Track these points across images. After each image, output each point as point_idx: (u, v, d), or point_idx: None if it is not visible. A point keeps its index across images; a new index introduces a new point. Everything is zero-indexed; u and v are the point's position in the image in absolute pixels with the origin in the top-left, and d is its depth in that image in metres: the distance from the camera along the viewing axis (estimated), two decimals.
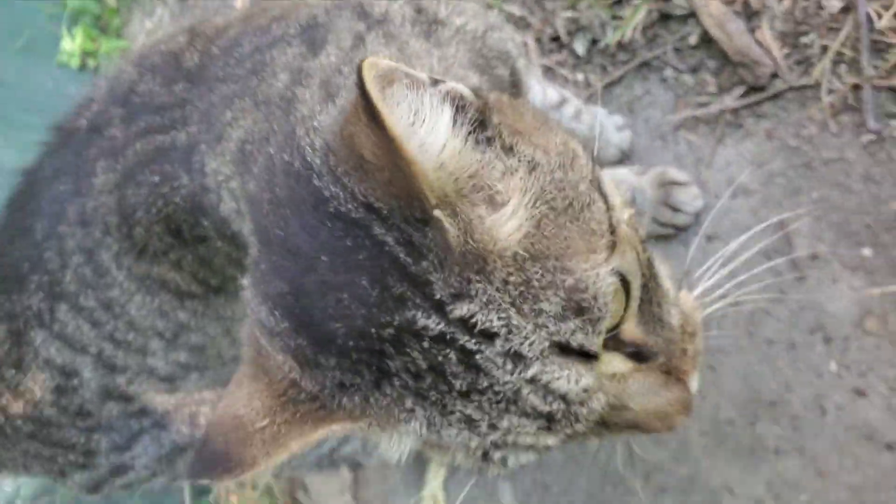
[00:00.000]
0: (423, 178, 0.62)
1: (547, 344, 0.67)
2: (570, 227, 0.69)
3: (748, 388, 1.61)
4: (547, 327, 0.66)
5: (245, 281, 0.79)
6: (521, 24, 2.01)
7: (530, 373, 0.67)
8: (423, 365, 0.67)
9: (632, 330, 0.75)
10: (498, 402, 0.68)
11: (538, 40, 1.99)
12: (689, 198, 1.68)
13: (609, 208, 0.74)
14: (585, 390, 0.70)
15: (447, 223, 0.64)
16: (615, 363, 0.74)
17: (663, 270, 0.83)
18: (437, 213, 0.63)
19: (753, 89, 1.63)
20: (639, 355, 0.76)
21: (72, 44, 3.69)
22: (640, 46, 1.81)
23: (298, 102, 0.88)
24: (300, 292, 0.70)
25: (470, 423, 0.70)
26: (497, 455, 0.74)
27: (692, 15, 1.71)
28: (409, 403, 0.70)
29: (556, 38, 1.96)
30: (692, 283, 0.96)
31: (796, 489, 1.53)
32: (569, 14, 1.88)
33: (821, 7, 1.54)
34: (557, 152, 0.74)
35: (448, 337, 0.66)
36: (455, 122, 0.66)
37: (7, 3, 3.55)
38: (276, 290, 0.72)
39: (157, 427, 1.45)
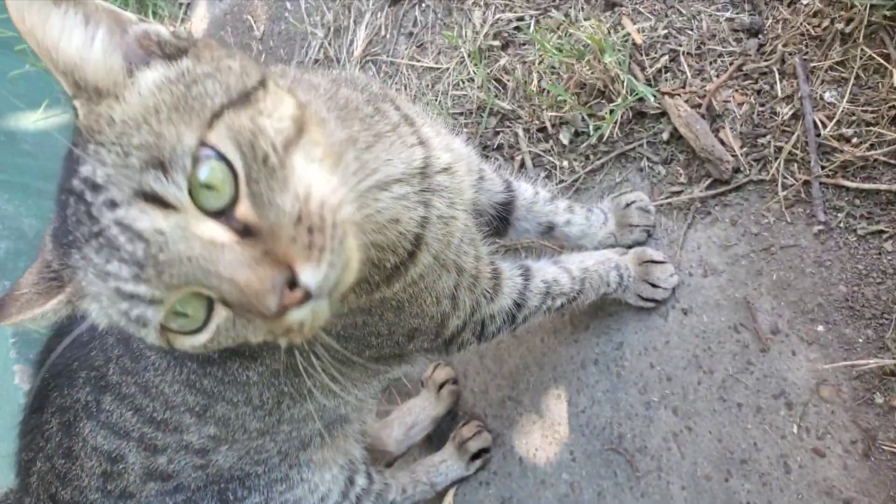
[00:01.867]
0: (58, 69, 0.87)
1: (129, 191, 0.82)
2: (178, 110, 0.86)
3: (722, 448, 1.78)
4: (131, 178, 0.82)
5: None
6: (512, 115, 2.20)
7: (118, 213, 0.82)
8: (74, 219, 0.85)
9: (243, 209, 0.85)
10: (103, 247, 0.84)
11: (527, 130, 2.18)
12: (666, 275, 1.86)
13: (229, 107, 0.87)
14: (161, 232, 0.82)
15: (81, 106, 0.86)
16: (218, 232, 0.84)
17: (308, 178, 0.88)
18: (74, 102, 0.87)
19: (718, 181, 1.82)
20: (245, 230, 0.85)
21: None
22: (618, 139, 2.00)
23: None
24: (59, 189, 0.90)
25: (97, 270, 0.86)
26: (133, 311, 0.87)
27: (664, 114, 1.90)
28: (77, 257, 0.87)
29: (542, 129, 2.16)
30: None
31: None
32: (553, 112, 2.08)
33: (775, 113, 1.74)
34: (214, 62, 0.94)
35: (80, 193, 0.84)
36: (110, 38, 0.91)
37: (26, 77, 3.71)
38: (56, 188, 0.91)
39: (188, 503, 1.60)
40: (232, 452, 1.55)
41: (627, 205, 1.94)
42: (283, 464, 1.65)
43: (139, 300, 0.86)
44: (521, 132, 2.19)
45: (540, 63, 2.10)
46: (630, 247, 1.95)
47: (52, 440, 1.51)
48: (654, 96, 1.86)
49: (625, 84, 1.89)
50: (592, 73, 1.95)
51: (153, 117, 0.84)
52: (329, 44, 2.79)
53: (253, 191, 0.85)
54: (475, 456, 2.20)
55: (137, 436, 1.46)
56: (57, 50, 0.87)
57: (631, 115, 1.96)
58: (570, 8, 2.08)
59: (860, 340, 1.63)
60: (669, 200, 1.91)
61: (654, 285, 1.87)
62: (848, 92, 1.62)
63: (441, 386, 2.32)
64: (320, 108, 1.13)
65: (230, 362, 1.34)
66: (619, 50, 1.88)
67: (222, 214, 0.85)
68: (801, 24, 1.69)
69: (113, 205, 0.81)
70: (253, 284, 0.82)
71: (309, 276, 0.84)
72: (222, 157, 0.84)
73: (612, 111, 1.95)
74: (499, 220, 1.74)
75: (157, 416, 1.42)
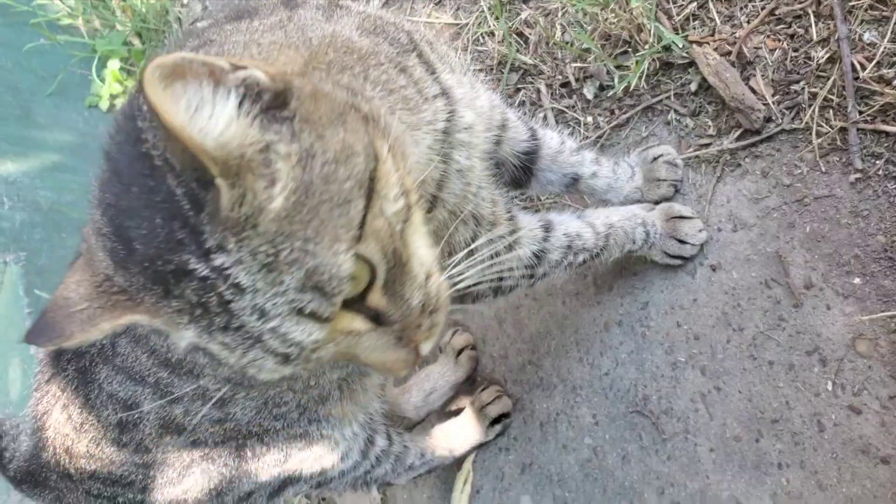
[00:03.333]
0: (204, 155, 0.75)
1: (286, 308, 0.82)
2: (323, 218, 0.83)
3: (752, 407, 1.72)
4: (287, 295, 0.82)
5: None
6: (534, 71, 2.14)
7: (271, 325, 0.83)
8: (194, 299, 0.81)
9: (377, 299, 0.91)
10: (246, 340, 0.84)
11: (549, 86, 2.12)
12: (694, 230, 1.80)
13: (370, 208, 0.87)
14: (316, 342, 0.87)
15: (225, 190, 0.77)
16: (355, 323, 0.91)
17: (423, 261, 0.97)
18: (218, 181, 0.77)
19: (749, 132, 1.75)
20: (378, 318, 0.93)
21: (101, 86, 3.83)
22: (644, 92, 1.93)
23: None
24: (119, 208, 0.82)
25: (228, 347, 0.86)
26: (251, 372, 0.89)
27: (692, 64, 1.83)
28: (185, 319, 0.84)
29: (566, 84, 2.09)
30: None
31: (799, 500, 1.63)
32: (577, 64, 2.01)
33: (809, 58, 1.66)
34: (337, 149, 0.86)
35: (210, 281, 0.80)
36: (242, 106, 0.80)
37: (41, 50, 3.69)
38: (106, 200, 0.84)
39: (206, 460, 1.56)
40: (250, 402, 1.51)
41: (654, 159, 1.87)
42: (303, 419, 1.60)
43: (272, 372, 0.90)
44: (543, 88, 2.13)
45: (563, 14, 2.04)
46: (657, 202, 1.88)
47: (68, 388, 1.48)
48: (682, 44, 1.78)
49: (651, 32, 1.82)
50: (618, 21, 1.88)
51: (299, 225, 0.82)
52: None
53: (386, 282, 0.91)
54: (495, 421, 2.15)
55: (153, 381, 1.41)
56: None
57: (657, 65, 1.89)
58: None
59: None
60: (697, 153, 1.84)
61: (681, 241, 1.81)
62: (889, 31, 1.55)
63: (460, 352, 2.27)
64: (403, 140, 1.06)
65: None
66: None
67: (354, 301, 0.90)
68: None
69: (263, 314, 0.82)
70: (390, 366, 0.96)
71: (426, 348, 0.99)
72: (366, 260, 0.88)
73: (637, 61, 1.88)
74: (522, 171, 1.67)
75: (171, 357, 1.38)
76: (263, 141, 0.81)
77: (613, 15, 1.87)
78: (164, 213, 0.78)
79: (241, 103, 0.79)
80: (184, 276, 0.80)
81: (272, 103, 0.82)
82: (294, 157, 0.82)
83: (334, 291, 0.84)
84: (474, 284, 1.45)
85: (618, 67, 1.94)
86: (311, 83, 0.91)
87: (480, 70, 2.23)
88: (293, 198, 0.81)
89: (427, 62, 1.23)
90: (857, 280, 1.61)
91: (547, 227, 1.59)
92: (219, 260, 0.79)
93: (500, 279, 1.52)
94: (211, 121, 0.77)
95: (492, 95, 1.46)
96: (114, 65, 3.82)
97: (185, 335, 0.87)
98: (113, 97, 3.83)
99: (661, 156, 1.86)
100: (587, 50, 1.93)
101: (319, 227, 0.82)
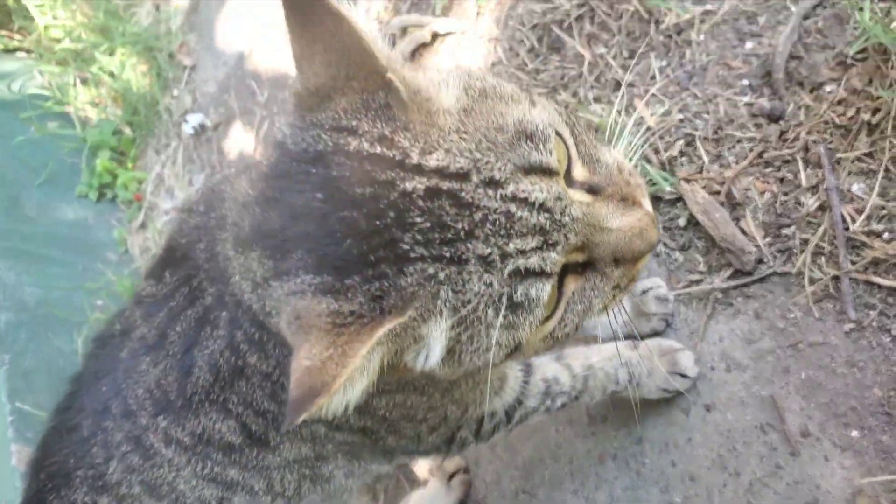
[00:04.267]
0: (372, 44, 0.80)
1: (511, 166, 0.81)
2: (492, 96, 0.88)
3: None
4: (506, 153, 0.82)
5: (274, 289, 0.87)
6: None
7: (509, 191, 0.80)
8: (426, 224, 0.78)
9: (580, 171, 0.93)
10: (497, 229, 0.80)
11: None
12: (691, 362, 1.75)
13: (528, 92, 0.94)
14: (559, 198, 0.84)
15: (397, 82, 0.80)
16: (578, 195, 0.90)
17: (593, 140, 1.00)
18: (388, 75, 0.79)
19: (740, 272, 1.72)
20: (591, 189, 0.93)
21: (91, 176, 3.81)
22: None
23: None
24: (310, 242, 0.81)
25: (484, 261, 0.81)
26: (520, 292, 0.83)
27: (680, 199, 1.81)
28: (430, 270, 0.80)
29: None
30: None
31: None
32: None
33: (799, 203, 1.64)
34: (454, 70, 0.94)
35: (434, 188, 0.79)
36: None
37: (31, 140, 3.68)
38: (292, 261, 0.82)
39: None
40: None
41: (643, 292, 1.83)
42: None
43: (540, 276, 0.84)
44: None
45: None
46: (648, 335, 1.85)
47: None
48: (670, 186, 1.76)
49: (638, 170, 1.80)
50: None
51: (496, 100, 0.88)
52: None
53: (579, 154, 0.93)
54: None
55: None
56: None
57: None
58: (579, 87, 1.99)
59: None
60: (689, 290, 1.80)
61: (682, 375, 1.76)
62: (877, 185, 1.53)
63: (452, 475, 2.21)
64: None
65: (255, 448, 1.29)
66: (634, 135, 1.79)
67: (568, 182, 0.91)
68: (825, 111, 1.60)
69: (496, 184, 0.81)
70: (635, 225, 0.91)
71: (648, 204, 0.96)
72: (557, 133, 0.89)
73: None
74: None
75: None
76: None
77: None
78: (359, 178, 0.80)
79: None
80: (408, 211, 0.79)
81: None
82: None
83: (543, 137, 0.85)
84: (457, 429, 1.44)
85: None
86: None
87: None
88: (456, 84, 0.89)
89: None
90: (854, 433, 1.57)
91: (526, 370, 1.57)
92: (433, 159, 0.80)
93: (481, 424, 1.50)
94: (367, 21, 0.82)
95: None
96: (104, 154, 3.81)
97: (440, 310, 0.82)
98: (103, 187, 3.81)
99: (650, 289, 1.83)
100: None
101: (498, 99, 0.88)
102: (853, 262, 1.57)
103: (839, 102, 1.58)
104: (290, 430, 1.22)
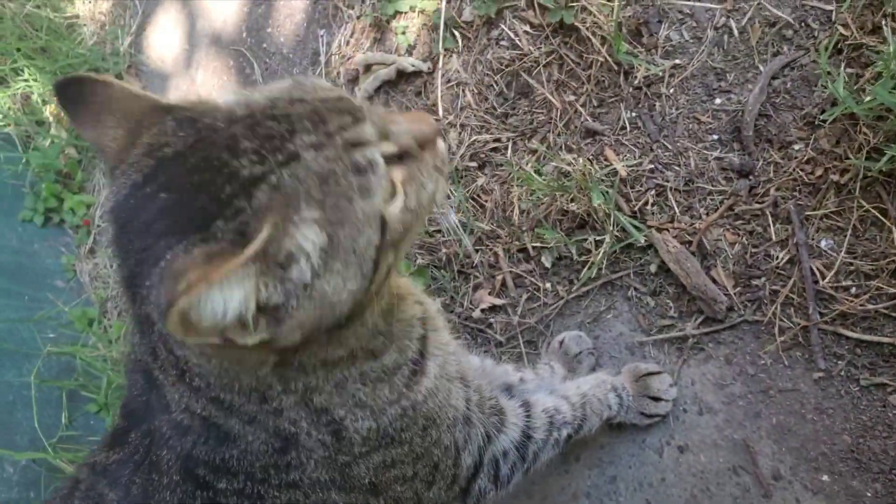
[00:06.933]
0: (146, 94, 0.93)
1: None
2: None
3: None
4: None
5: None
6: (491, 235, 2.09)
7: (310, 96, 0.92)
8: (255, 143, 0.86)
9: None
10: (314, 121, 0.90)
11: (507, 251, 2.08)
12: (665, 385, 1.78)
13: None
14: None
15: (181, 104, 0.93)
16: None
17: None
18: (169, 104, 0.92)
19: (711, 319, 1.74)
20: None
21: (35, 200, 3.64)
22: (603, 268, 1.91)
23: None
24: (166, 218, 0.84)
25: (315, 146, 0.89)
26: (358, 156, 0.91)
27: (651, 246, 1.82)
28: (273, 179, 0.85)
29: (523, 249, 2.06)
30: None
31: None
32: (534, 244, 1.98)
33: (769, 255, 1.66)
34: None
35: (252, 119, 0.89)
36: None
37: None
38: (157, 249, 0.83)
39: None
40: None
41: (561, 343, 1.91)
42: None
43: (367, 144, 0.92)
44: (500, 252, 2.08)
45: (519, 187, 2.00)
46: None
47: None
48: (643, 234, 1.77)
49: (611, 219, 1.80)
50: (575, 204, 1.86)
51: None
52: None
53: None
54: None
55: None
56: None
57: (617, 245, 1.87)
58: (549, 133, 1.98)
59: (868, 494, 1.55)
60: (661, 336, 1.82)
61: (655, 399, 1.78)
62: (845, 243, 1.56)
63: None
64: None
65: None
66: (604, 183, 1.79)
67: None
68: (794, 169, 1.62)
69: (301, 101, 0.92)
70: (415, 118, 1.03)
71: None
72: None
73: (597, 244, 1.85)
74: None
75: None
76: None
77: (571, 198, 1.85)
78: (188, 154, 0.86)
79: None
80: (235, 142, 0.86)
81: None
82: None
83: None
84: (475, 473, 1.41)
85: (576, 242, 1.91)
86: None
87: (438, 231, 2.18)
88: None
89: None
90: (825, 477, 1.60)
91: (526, 406, 1.57)
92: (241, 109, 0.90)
93: (497, 468, 1.48)
94: None
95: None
96: (49, 177, 3.64)
97: (303, 213, 0.87)
98: (49, 211, 3.64)
99: (564, 338, 1.90)
100: (546, 235, 1.90)
101: None
102: (822, 314, 1.60)
103: (807, 161, 1.61)
104: None
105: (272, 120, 0.87)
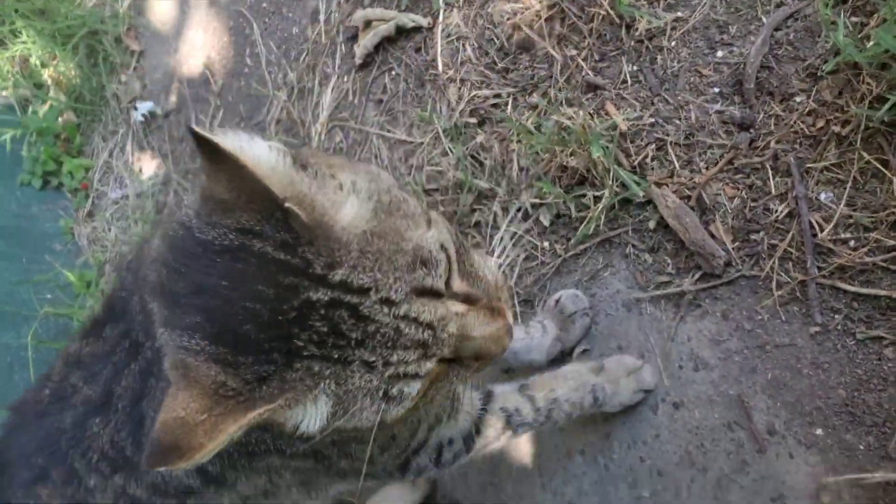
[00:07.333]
0: (267, 179, 0.81)
1: (408, 288, 0.89)
2: (395, 215, 0.94)
3: None
4: (404, 278, 0.89)
5: (160, 335, 0.92)
6: (490, 193, 2.08)
7: (402, 311, 0.88)
8: (324, 329, 0.84)
9: (459, 284, 1.01)
10: (386, 341, 0.88)
11: (505, 209, 2.06)
12: (650, 375, 1.81)
13: (419, 201, 1.01)
14: (442, 318, 0.93)
15: (297, 209, 0.82)
16: (455, 306, 0.98)
17: (472, 250, 1.10)
18: (287, 204, 0.82)
19: (709, 275, 1.73)
20: (468, 299, 1.02)
21: (34, 164, 3.63)
22: (601, 224, 1.89)
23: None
24: (211, 315, 0.85)
25: (368, 365, 0.88)
26: (395, 389, 0.92)
27: (650, 202, 1.80)
28: (317, 368, 0.86)
29: (521, 208, 2.04)
30: None
31: None
32: (533, 200, 1.96)
33: (768, 209, 1.65)
34: (365, 172, 1.00)
35: (336, 299, 0.84)
36: (270, 149, 0.87)
37: None
38: (190, 322, 0.86)
39: None
40: None
41: (557, 301, 1.91)
42: None
43: (414, 378, 0.93)
44: (499, 211, 2.07)
45: (518, 143, 1.99)
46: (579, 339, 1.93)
47: None
48: (642, 189, 1.76)
49: (610, 173, 1.78)
50: (575, 158, 1.84)
51: (385, 217, 0.93)
52: (293, 105, 2.64)
53: (460, 267, 1.02)
54: None
55: None
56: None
57: (615, 201, 1.86)
58: (550, 88, 1.96)
59: (861, 447, 1.55)
60: (658, 292, 1.81)
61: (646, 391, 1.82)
62: (845, 195, 1.54)
63: None
64: None
65: (212, 487, 1.29)
66: (605, 138, 1.78)
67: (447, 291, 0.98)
68: (795, 122, 1.60)
69: (391, 303, 0.88)
70: (495, 334, 1.02)
71: (511, 318, 1.07)
72: (442, 246, 0.97)
73: (596, 199, 1.84)
74: None
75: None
76: (302, 178, 0.88)
77: (571, 153, 1.83)
78: (263, 277, 0.83)
79: (269, 147, 0.88)
80: (309, 315, 0.84)
81: (294, 162, 0.90)
82: (346, 186, 0.93)
83: (436, 262, 0.93)
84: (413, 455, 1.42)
85: (574, 198, 1.89)
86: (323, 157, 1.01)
87: (436, 190, 2.16)
88: (361, 203, 0.92)
89: None
90: (819, 431, 1.60)
91: (485, 399, 1.60)
92: (338, 275, 0.84)
93: (440, 452, 1.52)
94: (256, 152, 0.84)
95: None
96: (48, 141, 3.63)
97: (319, 402, 0.89)
98: (47, 175, 3.63)
99: (561, 296, 1.90)
100: (545, 189, 1.89)
101: (397, 221, 0.93)
102: (820, 268, 1.59)
103: (809, 113, 1.59)
104: (245, 466, 1.25)
105: (352, 317, 0.86)
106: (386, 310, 0.87)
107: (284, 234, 0.83)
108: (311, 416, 0.91)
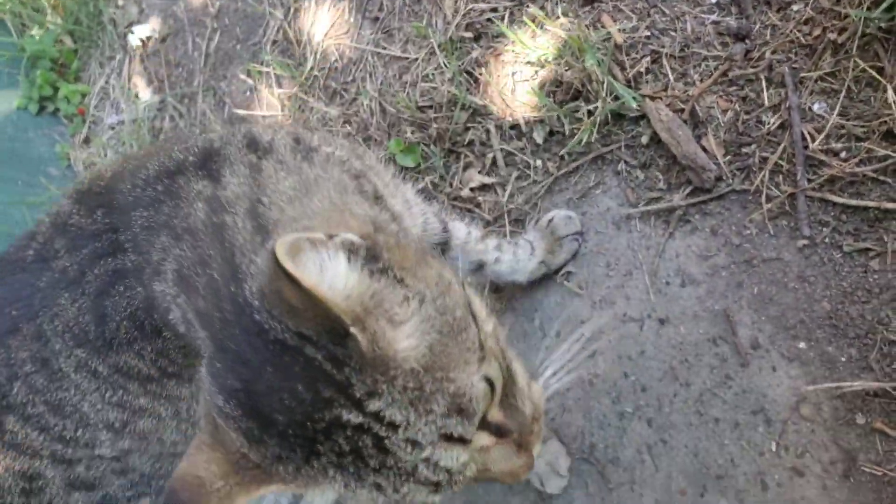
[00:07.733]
0: (337, 309, 0.79)
1: (437, 435, 0.86)
2: (451, 346, 0.89)
3: (698, 462, 1.70)
4: (436, 423, 0.86)
5: (203, 370, 0.94)
6: (483, 111, 2.06)
7: (424, 454, 0.86)
8: (346, 448, 0.85)
9: (495, 414, 0.96)
10: (401, 474, 0.87)
11: (499, 127, 2.05)
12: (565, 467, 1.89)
13: (479, 329, 0.94)
14: (464, 464, 0.91)
15: (360, 336, 0.81)
16: (482, 439, 0.94)
17: (520, 370, 1.03)
18: (352, 329, 0.80)
19: (699, 189, 1.72)
20: (499, 431, 0.96)
21: (30, 88, 3.60)
22: (594, 141, 1.88)
23: (229, 230, 1.03)
24: (250, 391, 0.86)
25: (379, 488, 0.88)
26: None
27: (643, 117, 1.79)
28: (331, 473, 0.87)
29: (515, 126, 2.03)
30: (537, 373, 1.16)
31: None
32: (528, 114, 1.94)
33: (760, 121, 1.63)
34: (436, 283, 0.93)
35: (365, 426, 0.84)
36: (350, 261, 0.85)
37: None
38: (231, 386, 0.88)
39: None
40: (145, 458, 1.46)
41: (549, 221, 1.90)
42: None
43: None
44: (492, 128, 2.05)
45: (514, 58, 1.96)
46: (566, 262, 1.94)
47: None
48: (636, 102, 1.74)
49: (604, 86, 1.76)
50: (570, 71, 1.82)
51: (434, 356, 0.88)
52: (289, 25, 2.60)
53: (502, 401, 0.97)
54: None
55: (48, 453, 1.36)
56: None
57: (609, 116, 1.84)
58: (547, 1, 1.93)
59: (843, 359, 1.55)
60: (648, 208, 1.80)
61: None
62: (838, 105, 1.53)
63: None
64: None
65: (168, 379, 1.32)
66: (600, 50, 1.75)
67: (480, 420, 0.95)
68: (792, 31, 1.58)
69: (416, 445, 0.86)
70: (517, 472, 0.98)
71: (538, 450, 1.02)
72: (489, 380, 0.92)
73: (590, 113, 1.82)
74: None
75: (66, 435, 1.33)
76: (374, 288, 0.85)
77: (566, 65, 1.81)
78: (306, 381, 0.83)
79: (348, 260, 0.85)
80: (336, 430, 0.84)
81: (368, 258, 0.87)
82: (412, 302, 0.88)
83: (474, 412, 0.89)
84: None
85: (568, 114, 1.88)
86: (391, 235, 1.00)
87: (429, 107, 2.14)
88: (421, 333, 0.87)
89: (378, 195, 1.29)
90: (802, 344, 1.60)
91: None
92: (374, 405, 0.83)
93: None
94: (334, 277, 0.82)
95: (415, 198, 1.56)
96: (44, 65, 3.59)
97: (328, 490, 0.90)
98: (43, 99, 3.60)
99: (554, 217, 1.90)
100: (540, 103, 1.87)
101: (451, 355, 0.88)
102: (810, 181, 1.58)
103: (806, 22, 1.57)
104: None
105: (375, 447, 0.86)
106: (409, 449, 0.86)
107: (339, 350, 0.83)
108: (317, 498, 0.96)
